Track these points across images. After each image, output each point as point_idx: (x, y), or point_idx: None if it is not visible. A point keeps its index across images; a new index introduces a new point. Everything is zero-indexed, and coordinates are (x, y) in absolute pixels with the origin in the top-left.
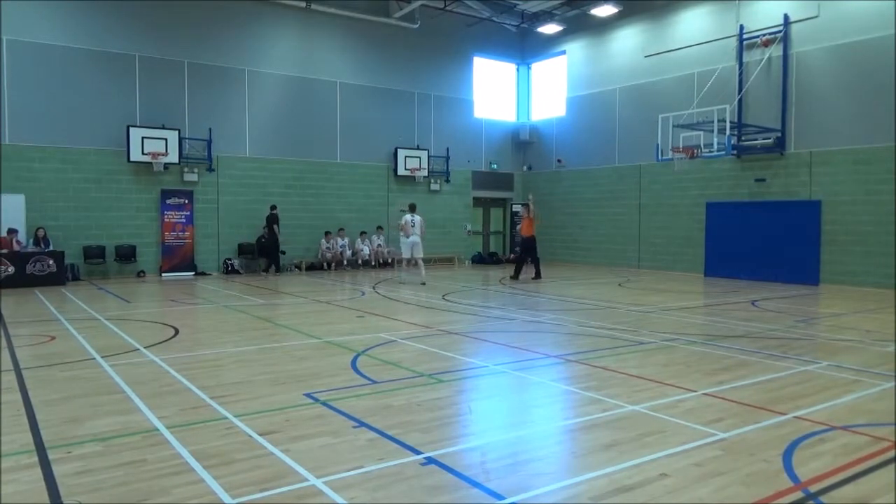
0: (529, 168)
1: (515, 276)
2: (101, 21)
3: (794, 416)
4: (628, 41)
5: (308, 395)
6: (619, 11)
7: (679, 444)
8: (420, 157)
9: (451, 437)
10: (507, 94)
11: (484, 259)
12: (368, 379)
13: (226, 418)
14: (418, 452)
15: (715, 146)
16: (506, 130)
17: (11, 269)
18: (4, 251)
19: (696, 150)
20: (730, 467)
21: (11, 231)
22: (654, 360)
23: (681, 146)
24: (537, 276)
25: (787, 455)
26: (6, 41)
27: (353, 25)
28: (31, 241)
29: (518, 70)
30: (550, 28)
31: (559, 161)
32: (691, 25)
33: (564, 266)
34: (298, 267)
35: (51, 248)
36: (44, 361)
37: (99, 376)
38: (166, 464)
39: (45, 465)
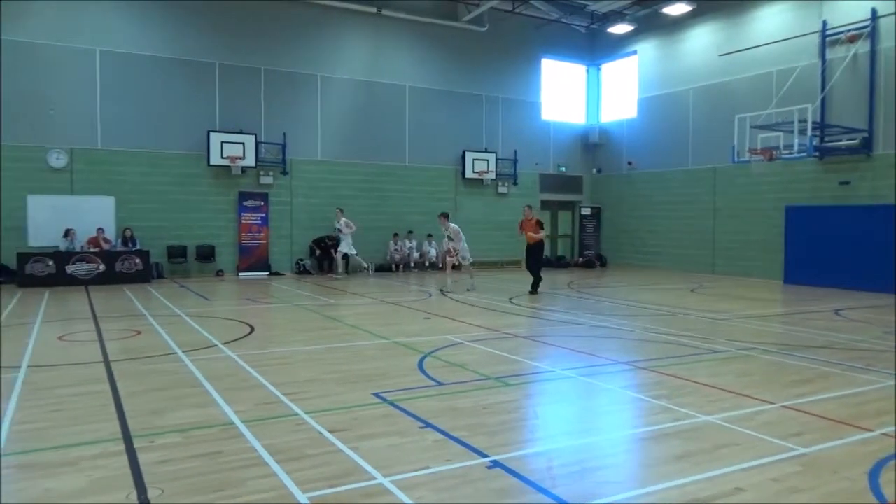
0: (599, 171)
1: (534, 290)
2: (183, 31)
3: (881, 433)
4: (702, 40)
5: (376, 395)
6: (693, 10)
7: (755, 458)
8: (488, 160)
9: (517, 442)
10: (576, 95)
11: (551, 262)
12: (435, 380)
13: (297, 415)
14: (484, 455)
15: (795, 147)
16: (574, 133)
17: (102, 267)
18: (95, 250)
19: (774, 152)
20: (810, 484)
21: (99, 230)
22: (728, 369)
23: (759, 148)
24: (534, 290)
25: (874, 474)
26: (99, 52)
27: (421, 29)
28: (120, 240)
29: (588, 71)
30: (621, 28)
31: (630, 163)
32: (769, 22)
33: (634, 270)
34: (368, 269)
35: (137, 247)
36: (130, 355)
37: (180, 370)
38: (241, 456)
39: (131, 453)
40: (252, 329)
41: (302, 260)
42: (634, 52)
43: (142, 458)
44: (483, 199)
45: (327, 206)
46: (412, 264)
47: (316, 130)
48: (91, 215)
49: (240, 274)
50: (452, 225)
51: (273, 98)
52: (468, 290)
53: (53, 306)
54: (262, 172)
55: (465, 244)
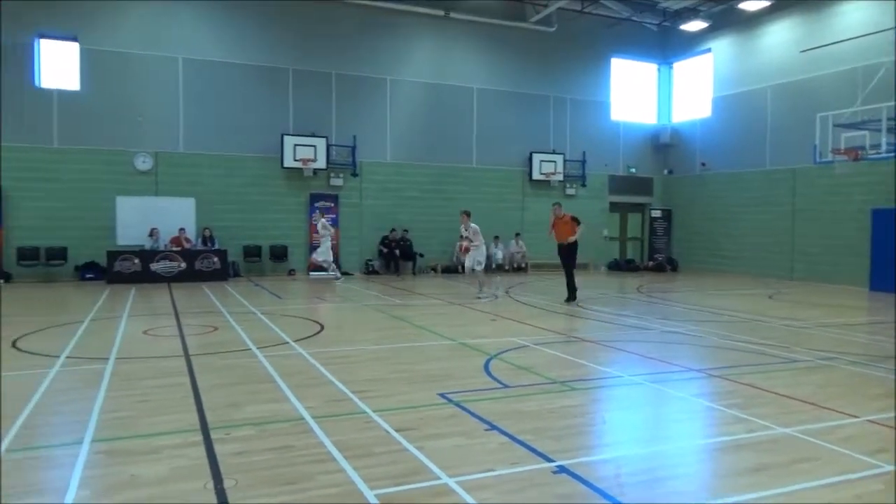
0: (670, 172)
1: (572, 296)
2: (260, 38)
3: None
4: (781, 36)
5: (442, 395)
6: (771, 5)
7: (836, 474)
8: (555, 161)
9: (584, 447)
10: (647, 95)
11: (620, 266)
12: (501, 382)
13: (364, 413)
14: (550, 460)
15: (883, 147)
16: (645, 133)
17: (183, 265)
18: (177, 249)
19: (860, 152)
20: None
21: (181, 230)
22: (808, 379)
23: (842, 147)
24: (572, 296)
25: None
26: (182, 60)
27: (489, 31)
28: (199, 240)
29: (659, 70)
30: (694, 25)
31: (703, 164)
32: (853, 17)
33: (706, 275)
34: (434, 269)
35: (216, 246)
36: (208, 349)
37: (254, 365)
38: (311, 451)
39: (208, 443)
40: (322, 327)
41: (370, 260)
42: (708, 50)
43: (218, 449)
44: (551, 201)
45: (395, 207)
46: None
47: (385, 133)
48: (173, 216)
49: (311, 273)
50: (473, 225)
51: (344, 101)
52: (477, 297)
53: (139, 302)
54: (332, 174)
55: (484, 249)
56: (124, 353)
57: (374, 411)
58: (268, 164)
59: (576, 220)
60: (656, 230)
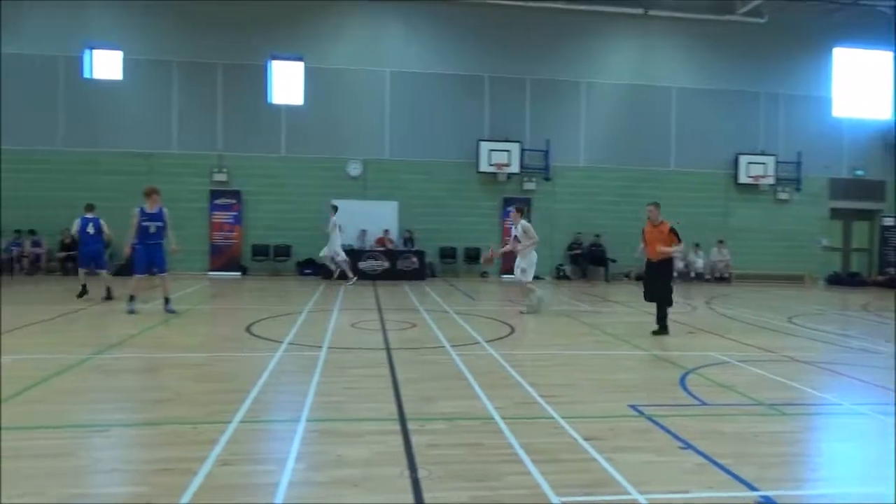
0: None
1: (662, 328)
2: (458, 48)
3: None
4: None
5: (632, 407)
6: None
7: None
8: (766, 164)
9: (794, 479)
10: (880, 87)
11: (842, 279)
12: (698, 399)
13: (552, 418)
14: (753, 488)
15: None
16: (875, 130)
17: (387, 265)
18: (382, 249)
19: None
20: None
21: (386, 232)
22: None
23: None
24: (662, 327)
25: None
26: (389, 73)
27: (691, 27)
28: (401, 241)
29: (895, 59)
30: None
31: None
32: None
33: None
34: (628, 276)
35: (415, 247)
36: (407, 344)
37: (448, 363)
38: (499, 451)
39: (405, 433)
40: (512, 330)
41: (562, 265)
42: None
43: (414, 439)
44: (759, 207)
45: (588, 211)
46: (675, 274)
47: (578, 136)
48: (379, 218)
49: (502, 276)
50: (524, 222)
51: (537, 106)
52: (522, 311)
53: (349, 297)
54: (525, 179)
55: (535, 254)
56: (335, 342)
57: (562, 417)
58: (464, 169)
59: (674, 233)
60: (888, 240)
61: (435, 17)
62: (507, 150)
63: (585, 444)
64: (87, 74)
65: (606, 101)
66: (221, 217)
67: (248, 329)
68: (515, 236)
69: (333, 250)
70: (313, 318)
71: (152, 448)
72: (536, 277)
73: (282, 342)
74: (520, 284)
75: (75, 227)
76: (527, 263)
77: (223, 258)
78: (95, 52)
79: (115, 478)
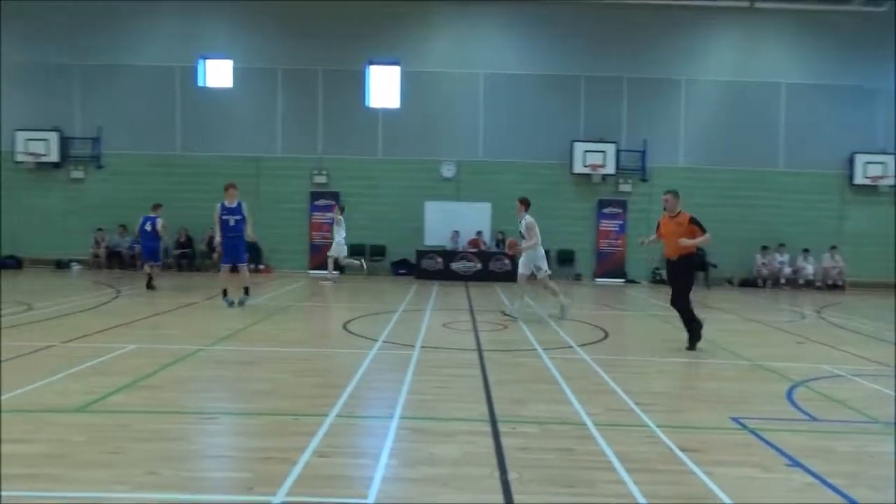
0: None
1: (692, 344)
2: (553, 48)
3: None
4: None
5: (734, 420)
6: None
7: None
8: (885, 163)
9: None
10: None
11: None
12: (807, 414)
13: (647, 426)
14: None
15: None
16: None
17: (479, 266)
18: (474, 250)
19: None
20: None
21: (478, 233)
22: None
23: None
24: (692, 342)
25: None
26: (483, 75)
27: (802, 18)
28: (494, 242)
29: None
30: None
31: None
32: None
33: None
34: (730, 282)
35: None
36: (498, 346)
37: (539, 366)
38: (592, 458)
39: (496, 435)
40: (606, 334)
41: (658, 269)
42: None
43: (504, 441)
44: (878, 210)
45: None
46: (782, 280)
47: (678, 136)
48: (472, 219)
49: (596, 279)
50: (528, 217)
51: (634, 105)
52: (559, 317)
53: (441, 297)
54: (621, 180)
55: (542, 250)
56: (428, 342)
57: (657, 426)
58: (557, 171)
59: (696, 223)
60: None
61: (529, 17)
62: (603, 151)
63: (682, 455)
64: (200, 83)
65: (708, 98)
66: (321, 217)
67: (344, 326)
68: (521, 233)
69: (338, 251)
70: (407, 317)
71: (256, 436)
72: (632, 280)
73: (376, 340)
74: (544, 285)
75: (138, 224)
76: (541, 261)
77: (322, 257)
78: (208, 62)
79: (223, 463)
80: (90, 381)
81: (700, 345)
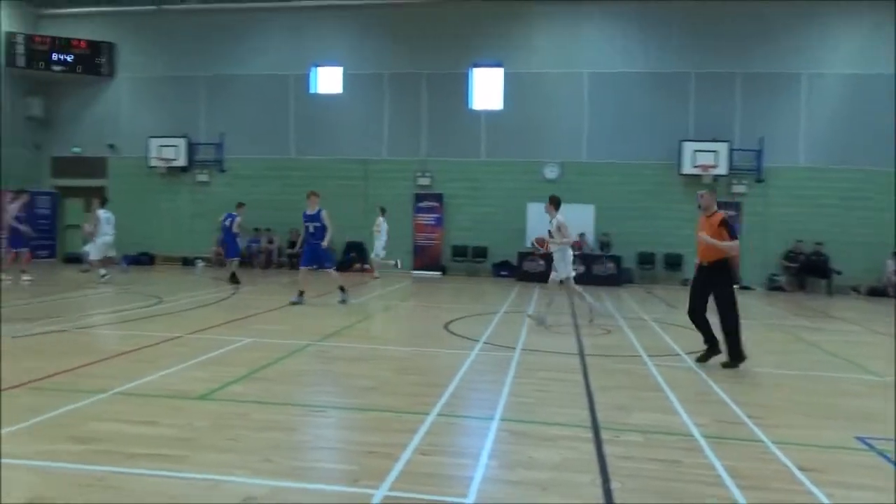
0: None
1: (706, 356)
2: (661, 45)
3: None
4: None
5: (860, 440)
6: None
7: None
8: None
9: None
10: None
11: None
12: None
13: (761, 441)
14: None
15: None
16: None
17: (581, 269)
18: (577, 252)
19: None
20: None
21: (581, 235)
22: None
23: None
24: (709, 352)
25: None
26: (587, 74)
27: None
28: (597, 245)
29: None
30: None
31: None
32: None
33: None
34: (856, 290)
35: (612, 252)
36: (600, 351)
37: (643, 373)
38: (700, 471)
39: (598, 441)
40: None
41: (775, 275)
42: None
43: (607, 449)
44: None
45: (807, 217)
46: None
47: (797, 134)
48: (575, 221)
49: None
50: (559, 217)
51: (749, 102)
52: (590, 319)
53: (542, 300)
54: (734, 181)
55: (570, 252)
56: (529, 345)
57: (772, 442)
58: (665, 172)
59: (726, 226)
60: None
61: (634, 14)
62: (714, 151)
63: (800, 475)
64: (312, 90)
65: (832, 93)
66: (424, 219)
67: (446, 327)
68: (549, 232)
69: (376, 252)
70: (508, 318)
71: (360, 431)
72: (745, 287)
73: (477, 341)
74: (553, 291)
75: (220, 220)
76: (559, 262)
77: (425, 258)
78: (320, 69)
79: (330, 455)
80: (211, 371)
81: (823, 357)
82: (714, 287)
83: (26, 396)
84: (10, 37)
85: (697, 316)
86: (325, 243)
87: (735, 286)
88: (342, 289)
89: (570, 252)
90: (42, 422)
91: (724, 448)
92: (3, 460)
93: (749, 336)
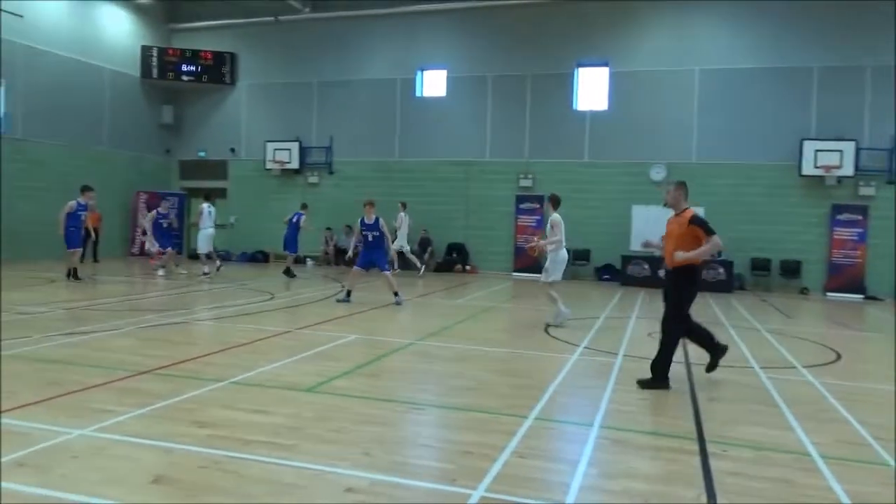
0: None
1: (712, 365)
2: (780, 39)
3: None
4: None
5: None
6: None
7: None
8: None
9: None
10: None
11: None
12: None
13: (888, 464)
14: None
15: None
16: None
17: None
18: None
19: None
20: None
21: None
22: None
23: None
24: (713, 358)
25: None
26: (698, 71)
27: None
28: None
29: None
30: None
31: None
32: None
33: None
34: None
35: (722, 257)
36: (707, 361)
37: (756, 385)
38: (815, 494)
39: (704, 455)
40: (838, 356)
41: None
42: None
43: (713, 463)
44: None
45: None
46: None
47: None
48: None
49: (827, 294)
50: (555, 215)
51: (880, 97)
52: (551, 323)
53: (647, 305)
54: (861, 182)
55: (564, 253)
56: (631, 351)
57: None
58: (783, 172)
59: (699, 224)
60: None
61: (748, 7)
62: (839, 150)
63: None
64: (418, 93)
65: None
66: (525, 221)
67: (546, 330)
68: (543, 230)
69: (400, 243)
70: (610, 323)
71: (458, 430)
72: (874, 297)
73: (578, 346)
74: (540, 286)
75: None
76: (550, 262)
77: (524, 259)
78: (425, 73)
79: (429, 452)
80: (318, 365)
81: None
82: (675, 290)
83: (155, 382)
84: (147, 50)
85: (668, 327)
86: (389, 245)
87: (695, 295)
88: (396, 293)
89: (564, 254)
90: (168, 406)
91: (845, 470)
92: (134, 440)
93: (877, 351)
